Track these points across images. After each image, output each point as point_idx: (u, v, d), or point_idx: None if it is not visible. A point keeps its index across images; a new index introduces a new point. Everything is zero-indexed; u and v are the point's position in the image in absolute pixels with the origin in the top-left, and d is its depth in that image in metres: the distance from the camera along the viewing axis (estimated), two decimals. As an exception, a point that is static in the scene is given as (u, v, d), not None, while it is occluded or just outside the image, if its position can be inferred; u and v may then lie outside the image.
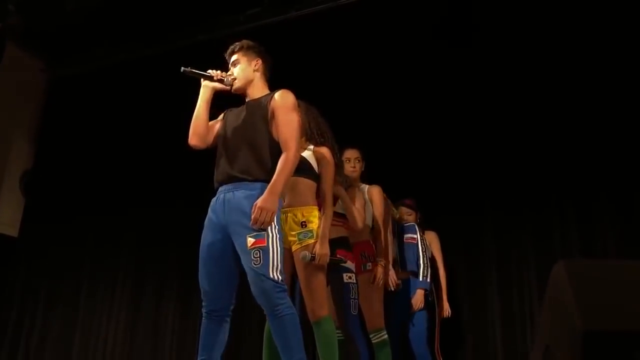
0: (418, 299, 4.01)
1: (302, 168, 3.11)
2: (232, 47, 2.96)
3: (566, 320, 1.45)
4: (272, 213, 2.56)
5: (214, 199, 2.77)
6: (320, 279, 3.00)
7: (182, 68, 2.77)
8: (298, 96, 2.89)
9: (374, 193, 3.77)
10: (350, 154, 3.79)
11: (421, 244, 4.13)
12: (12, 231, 6.44)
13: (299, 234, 3.04)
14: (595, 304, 1.45)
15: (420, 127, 4.86)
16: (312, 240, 3.01)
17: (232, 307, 2.74)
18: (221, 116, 2.97)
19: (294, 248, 3.04)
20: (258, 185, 2.66)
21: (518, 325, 4.16)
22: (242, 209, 2.61)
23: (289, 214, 3.08)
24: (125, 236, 5.99)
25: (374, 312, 3.55)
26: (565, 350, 1.50)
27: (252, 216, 2.54)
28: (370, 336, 3.55)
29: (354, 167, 3.78)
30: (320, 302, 2.97)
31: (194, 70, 2.83)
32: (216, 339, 2.70)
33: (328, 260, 3.02)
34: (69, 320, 5.88)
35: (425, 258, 4.09)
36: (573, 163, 4.30)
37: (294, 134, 2.73)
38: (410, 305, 4.01)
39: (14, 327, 6.09)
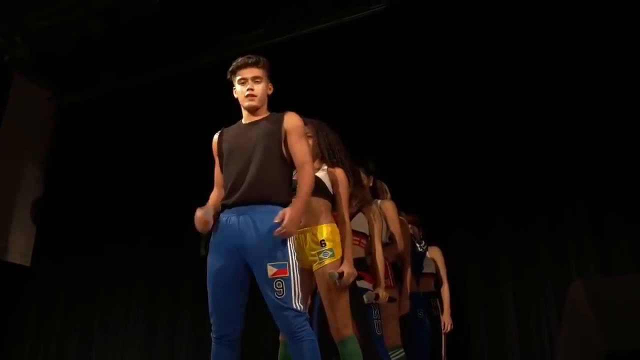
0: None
1: (316, 188, 3.09)
2: (255, 58, 2.82)
3: (587, 342, 1.39)
4: (297, 226, 2.61)
5: (223, 221, 2.69)
6: (344, 298, 2.95)
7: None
8: (304, 115, 2.87)
9: (388, 208, 3.72)
10: None
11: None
12: (25, 260, 6.45)
13: (319, 253, 3.00)
14: (617, 323, 1.38)
15: (433, 149, 4.81)
16: (333, 260, 2.97)
17: (241, 331, 2.69)
18: (216, 139, 2.89)
19: (314, 267, 3.01)
20: (275, 207, 2.62)
21: (536, 344, 4.08)
22: (261, 233, 2.57)
23: (307, 234, 3.04)
24: (138, 264, 5.97)
25: (391, 329, 3.50)
26: (588, 373, 1.44)
27: (282, 224, 2.50)
28: (388, 354, 3.48)
29: None
30: (344, 321, 2.92)
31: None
32: None
33: (353, 279, 2.99)
34: (83, 350, 5.86)
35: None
36: (586, 178, 4.24)
37: (309, 152, 2.76)
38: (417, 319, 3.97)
39: (29, 356, 6.07)
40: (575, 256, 4.13)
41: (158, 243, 5.85)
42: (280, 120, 2.75)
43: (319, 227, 3.04)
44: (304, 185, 2.65)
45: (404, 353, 3.52)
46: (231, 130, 2.87)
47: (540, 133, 4.48)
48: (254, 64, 2.79)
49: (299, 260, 2.93)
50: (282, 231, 2.50)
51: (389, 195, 3.88)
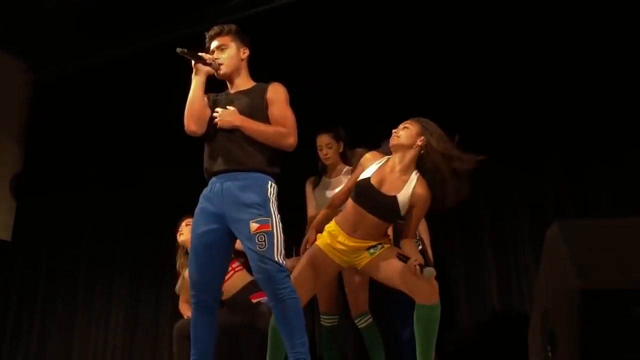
0: None
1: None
2: (218, 27, 2.91)
3: (562, 282, 1.46)
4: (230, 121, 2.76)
5: (207, 189, 2.77)
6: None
7: (178, 49, 2.73)
8: (286, 84, 2.90)
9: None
10: (321, 141, 3.81)
11: None
12: (5, 235, 6.40)
13: (367, 249, 3.01)
14: (591, 264, 1.46)
15: (405, 93, 4.80)
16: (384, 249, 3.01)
17: (220, 299, 2.78)
18: (205, 102, 2.90)
19: (364, 262, 3.01)
20: (259, 175, 2.70)
21: (514, 291, 4.18)
22: (245, 198, 2.63)
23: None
24: (120, 234, 5.93)
25: (361, 296, 3.50)
26: (564, 312, 1.51)
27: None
28: (356, 321, 3.51)
29: (326, 154, 3.79)
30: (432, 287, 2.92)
31: (189, 52, 2.79)
32: (207, 331, 2.70)
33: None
34: (67, 322, 5.84)
35: None
36: (563, 121, 4.27)
37: (294, 126, 2.78)
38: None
39: (12, 331, 6.06)
40: (552, 203, 4.20)
41: (140, 213, 5.83)
42: (264, 91, 2.83)
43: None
44: (266, 126, 2.76)
45: (371, 319, 3.51)
46: (219, 98, 2.92)
47: (514, 73, 4.50)
48: (217, 35, 2.90)
49: (344, 263, 3.03)
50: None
51: None
